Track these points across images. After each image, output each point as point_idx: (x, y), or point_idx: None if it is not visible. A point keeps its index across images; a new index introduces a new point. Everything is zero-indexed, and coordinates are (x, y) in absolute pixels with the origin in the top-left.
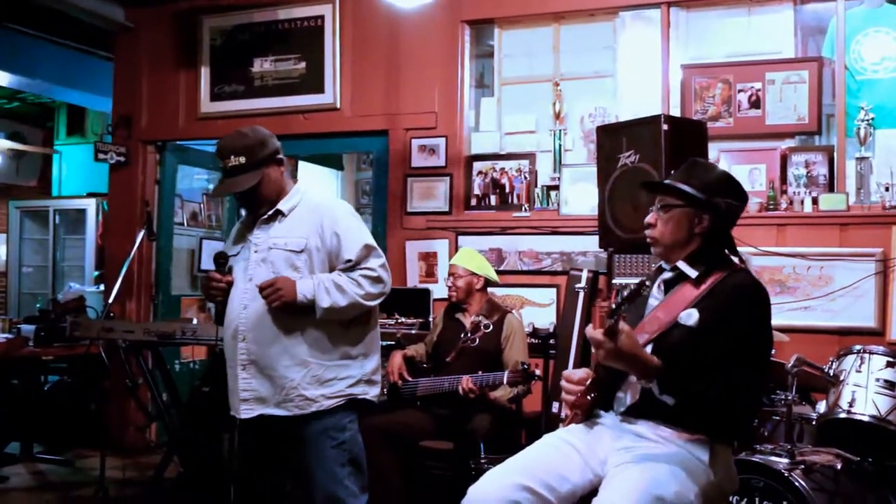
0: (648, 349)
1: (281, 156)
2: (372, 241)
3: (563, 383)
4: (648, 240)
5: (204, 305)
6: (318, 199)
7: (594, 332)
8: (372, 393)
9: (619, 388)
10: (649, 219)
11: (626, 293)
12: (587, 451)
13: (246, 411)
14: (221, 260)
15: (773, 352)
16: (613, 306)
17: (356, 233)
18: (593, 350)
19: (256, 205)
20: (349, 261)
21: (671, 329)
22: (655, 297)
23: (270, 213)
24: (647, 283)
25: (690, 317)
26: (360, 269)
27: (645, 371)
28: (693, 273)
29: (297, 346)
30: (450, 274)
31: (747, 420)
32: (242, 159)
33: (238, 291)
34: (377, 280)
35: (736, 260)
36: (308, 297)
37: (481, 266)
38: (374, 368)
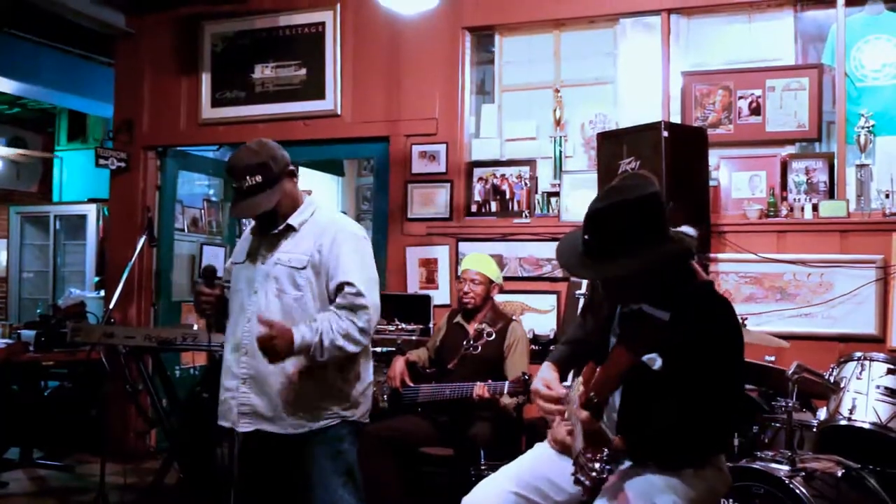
0: (619, 391)
1: (292, 167)
2: (369, 274)
3: (541, 389)
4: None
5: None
6: (330, 217)
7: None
8: (358, 414)
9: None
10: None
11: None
12: None
13: (245, 425)
14: (209, 274)
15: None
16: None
17: (354, 259)
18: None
19: (276, 222)
20: (340, 286)
21: (636, 369)
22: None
23: (281, 228)
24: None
25: (654, 362)
26: (351, 313)
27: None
28: (665, 316)
29: (291, 366)
30: (464, 279)
31: (721, 437)
32: (259, 178)
33: (244, 304)
34: (363, 331)
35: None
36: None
37: (498, 274)
38: (361, 391)
